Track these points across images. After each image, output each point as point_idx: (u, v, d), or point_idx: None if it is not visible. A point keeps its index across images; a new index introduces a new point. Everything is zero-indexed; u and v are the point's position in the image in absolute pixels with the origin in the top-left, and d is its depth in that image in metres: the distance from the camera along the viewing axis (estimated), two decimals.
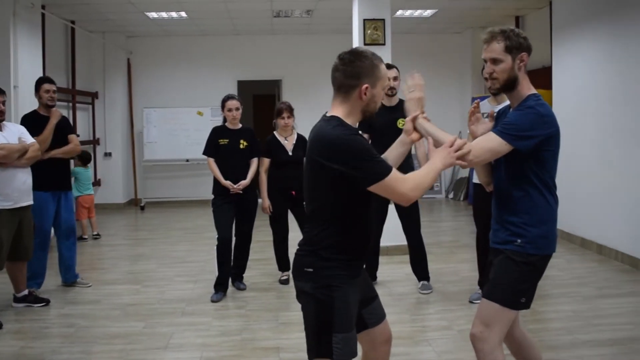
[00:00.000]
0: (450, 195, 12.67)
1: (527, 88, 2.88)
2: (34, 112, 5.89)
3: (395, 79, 5.67)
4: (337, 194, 2.55)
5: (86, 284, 6.18)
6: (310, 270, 2.60)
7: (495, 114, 3.15)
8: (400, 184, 2.51)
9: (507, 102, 3.05)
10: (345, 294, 2.58)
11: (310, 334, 2.61)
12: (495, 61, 2.84)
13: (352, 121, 2.64)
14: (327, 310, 2.55)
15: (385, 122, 5.30)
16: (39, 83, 5.91)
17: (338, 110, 2.64)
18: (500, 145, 2.72)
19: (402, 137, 2.93)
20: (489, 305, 2.85)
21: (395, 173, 2.51)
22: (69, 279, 6.13)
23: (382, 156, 2.76)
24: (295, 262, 2.69)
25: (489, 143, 2.73)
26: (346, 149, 2.49)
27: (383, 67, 2.66)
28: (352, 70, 2.59)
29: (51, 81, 5.96)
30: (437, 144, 2.85)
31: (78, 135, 6.02)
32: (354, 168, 2.48)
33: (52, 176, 5.83)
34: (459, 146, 2.61)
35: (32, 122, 5.71)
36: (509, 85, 2.86)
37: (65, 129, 5.97)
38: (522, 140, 2.71)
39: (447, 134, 2.81)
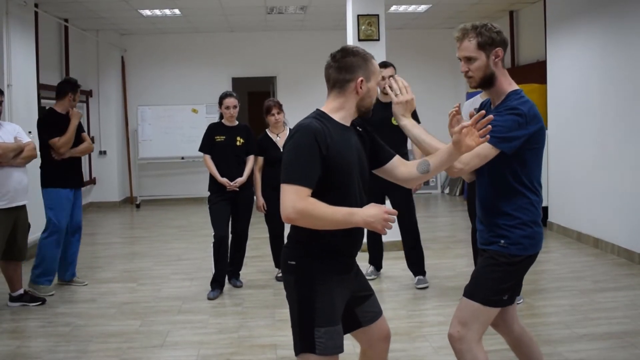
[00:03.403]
0: (446, 191, 12.68)
1: (507, 84, 2.82)
2: (53, 110, 5.91)
3: (391, 77, 5.64)
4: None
5: (82, 283, 6.16)
6: (293, 263, 2.60)
7: (474, 112, 3.11)
8: (294, 198, 2.38)
9: None
10: (328, 288, 2.56)
11: (295, 328, 2.59)
12: (469, 59, 2.78)
13: (342, 116, 2.61)
14: (309, 304, 2.53)
15: (380, 118, 5.30)
16: (78, 87, 6.09)
17: (327, 105, 2.64)
18: (486, 149, 2.68)
19: (450, 147, 2.65)
20: (469, 304, 2.82)
21: (301, 188, 2.38)
22: (69, 276, 6.12)
23: (428, 159, 2.70)
24: (282, 254, 2.68)
25: (476, 148, 2.67)
26: (293, 139, 2.49)
27: (375, 62, 2.65)
28: (345, 65, 2.58)
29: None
30: (425, 152, 2.81)
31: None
32: (284, 158, 2.48)
33: (70, 174, 5.91)
34: (390, 213, 2.43)
35: (52, 120, 5.80)
36: (486, 83, 2.81)
37: (79, 128, 6.04)
38: (507, 142, 2.67)
39: (438, 141, 2.77)
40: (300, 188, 2.40)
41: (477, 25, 2.77)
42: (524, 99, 2.76)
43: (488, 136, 2.60)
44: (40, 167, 5.81)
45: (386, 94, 5.64)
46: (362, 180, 2.65)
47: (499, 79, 2.81)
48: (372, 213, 2.42)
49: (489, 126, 2.56)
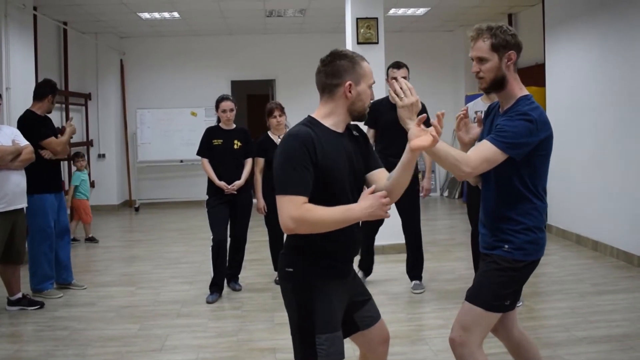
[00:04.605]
0: (445, 194, 12.68)
1: (518, 89, 2.80)
2: (33, 112, 5.81)
3: (404, 78, 5.61)
4: None
5: (81, 286, 6.16)
6: (291, 270, 2.58)
7: (482, 115, 3.09)
8: (289, 208, 2.37)
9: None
10: (327, 294, 2.54)
11: (295, 336, 2.57)
12: (481, 60, 2.76)
13: (334, 122, 2.58)
14: (308, 311, 2.51)
15: (390, 119, 5.28)
16: (56, 89, 6.00)
17: (318, 111, 2.61)
18: (495, 154, 2.66)
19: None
20: (470, 308, 2.81)
21: (295, 197, 2.37)
22: (67, 278, 6.11)
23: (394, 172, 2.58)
24: (280, 262, 2.66)
25: (485, 152, 2.67)
26: (281, 148, 2.48)
27: (365, 64, 2.59)
28: (332, 70, 2.55)
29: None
30: (433, 156, 2.66)
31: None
32: (275, 169, 2.47)
33: (54, 178, 5.92)
34: (385, 195, 2.42)
35: (36, 122, 5.73)
36: (497, 85, 2.79)
37: (56, 131, 6.02)
38: (517, 148, 2.65)
39: (447, 144, 2.67)
40: (295, 197, 2.39)
41: (493, 26, 2.75)
42: (534, 105, 2.73)
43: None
44: (26, 172, 5.63)
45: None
46: (356, 187, 2.60)
47: (510, 83, 2.78)
48: (369, 203, 2.41)
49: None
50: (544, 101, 8.32)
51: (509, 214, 2.78)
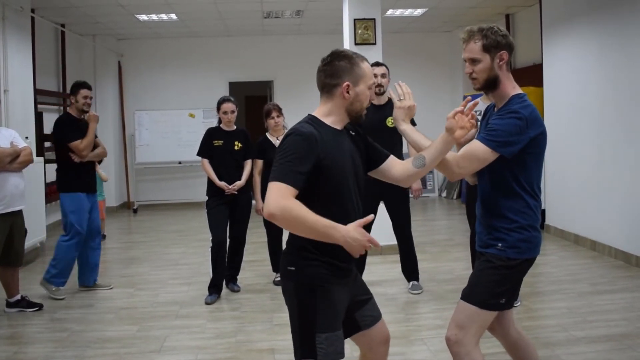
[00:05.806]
0: (444, 194, 12.69)
1: (510, 88, 2.82)
2: (68, 114, 5.99)
3: (383, 76, 5.62)
4: (307, 190, 2.47)
5: (108, 287, 6.20)
6: (293, 268, 2.58)
7: (478, 116, 3.11)
8: (278, 194, 2.37)
9: None
10: (328, 294, 2.54)
11: (295, 334, 2.58)
12: (473, 61, 2.79)
13: (333, 121, 2.60)
14: (309, 310, 2.52)
15: (374, 120, 5.29)
16: (78, 87, 6.06)
17: (318, 110, 2.64)
18: (485, 153, 2.68)
19: (444, 135, 2.71)
20: (465, 307, 2.82)
21: (287, 187, 2.38)
22: (92, 281, 6.14)
23: (423, 153, 2.72)
24: (282, 260, 2.67)
25: (475, 152, 2.70)
26: (284, 143, 2.50)
27: (365, 65, 2.61)
28: (331, 70, 2.58)
29: (89, 87, 6.14)
30: (418, 148, 2.81)
31: None
32: (275, 160, 2.49)
33: (85, 178, 5.96)
34: (372, 240, 2.43)
35: (70, 124, 5.85)
36: (490, 85, 2.81)
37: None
38: (507, 146, 2.67)
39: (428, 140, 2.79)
40: (286, 186, 2.39)
41: (484, 27, 2.78)
42: (526, 103, 2.75)
43: (475, 123, 2.71)
44: (59, 172, 5.87)
45: (378, 94, 5.63)
46: (357, 185, 2.63)
47: (503, 82, 2.81)
48: (355, 237, 2.39)
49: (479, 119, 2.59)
50: (541, 101, 8.34)
51: (502, 212, 2.79)
